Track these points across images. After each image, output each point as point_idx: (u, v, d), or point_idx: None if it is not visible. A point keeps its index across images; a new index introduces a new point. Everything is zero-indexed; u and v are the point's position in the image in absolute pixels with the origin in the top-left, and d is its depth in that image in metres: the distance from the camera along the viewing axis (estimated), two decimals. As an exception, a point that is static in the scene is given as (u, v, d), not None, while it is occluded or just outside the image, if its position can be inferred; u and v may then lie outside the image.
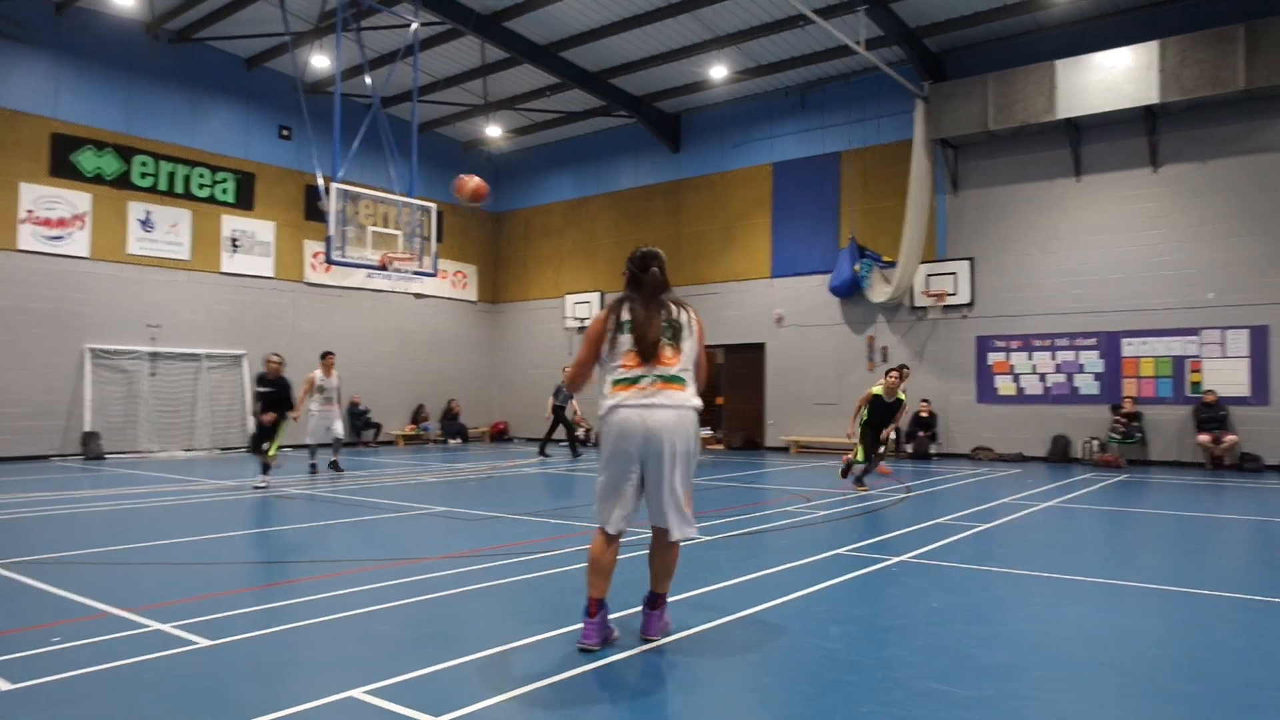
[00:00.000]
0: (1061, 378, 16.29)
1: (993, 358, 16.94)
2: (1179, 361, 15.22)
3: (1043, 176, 16.56)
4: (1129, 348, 15.68)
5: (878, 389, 10.99)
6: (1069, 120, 15.69)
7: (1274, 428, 14.33)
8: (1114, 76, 15.09)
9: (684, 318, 4.24)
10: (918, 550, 6.78)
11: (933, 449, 16.97)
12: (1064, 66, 15.50)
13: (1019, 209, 16.81)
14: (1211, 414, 14.57)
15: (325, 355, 13.15)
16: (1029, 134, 16.43)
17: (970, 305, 17.16)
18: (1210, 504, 10.26)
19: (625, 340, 4.15)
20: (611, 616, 4.28)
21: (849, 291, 18.06)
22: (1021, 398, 16.64)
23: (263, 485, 11.07)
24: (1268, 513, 9.29)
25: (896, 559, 6.43)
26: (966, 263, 17.17)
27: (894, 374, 11.07)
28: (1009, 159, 16.89)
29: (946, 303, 17.26)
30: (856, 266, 17.82)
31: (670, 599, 4.50)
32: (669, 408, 4.09)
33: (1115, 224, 15.87)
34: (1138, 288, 15.60)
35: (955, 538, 7.44)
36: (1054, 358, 16.37)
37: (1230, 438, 14.36)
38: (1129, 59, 14.97)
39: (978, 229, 17.23)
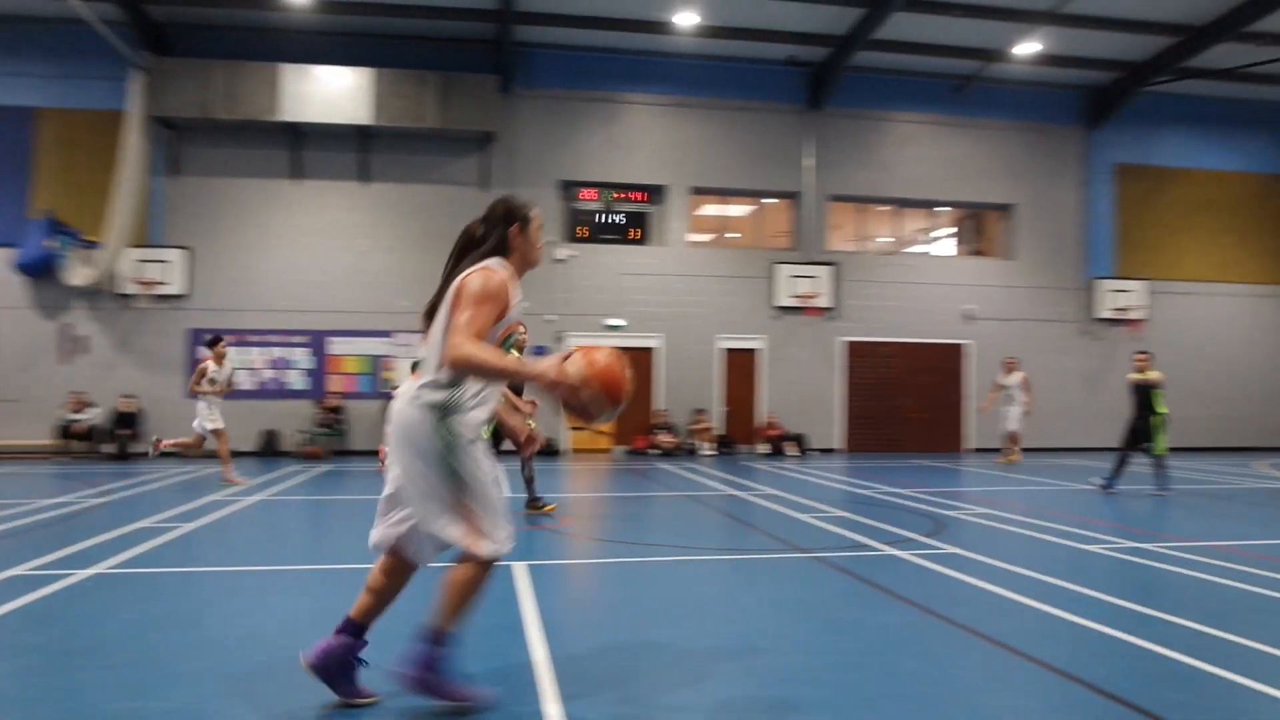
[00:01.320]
0: (274, 373, 16.75)
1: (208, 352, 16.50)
2: (376, 360, 17.01)
3: (265, 174, 16.80)
4: (335, 346, 16.93)
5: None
6: (291, 124, 16.25)
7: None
8: (334, 92, 16.14)
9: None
10: (115, 559, 6.27)
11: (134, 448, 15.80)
12: (290, 71, 16.00)
13: (240, 203, 16.75)
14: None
15: None
16: (253, 130, 16.50)
17: (186, 296, 16.47)
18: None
19: None
20: None
21: (41, 271, 15.70)
22: (235, 392, 16.56)
23: None
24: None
25: (89, 571, 5.85)
26: (184, 251, 16.43)
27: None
28: (233, 151, 16.71)
29: (158, 292, 16.24)
30: (51, 243, 15.58)
31: None
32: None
33: (328, 229, 16.96)
34: (345, 291, 16.93)
35: (157, 541, 7.08)
36: (268, 353, 16.74)
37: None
38: (349, 79, 16.17)
39: (198, 218, 16.63)
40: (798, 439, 17.96)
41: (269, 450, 16.35)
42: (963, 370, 19.21)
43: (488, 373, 3.12)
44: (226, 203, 16.71)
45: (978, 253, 20.51)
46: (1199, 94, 20.39)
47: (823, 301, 18.45)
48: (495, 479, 3.35)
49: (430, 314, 3.36)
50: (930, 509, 9.22)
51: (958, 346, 19.18)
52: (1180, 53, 17.92)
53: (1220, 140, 20.78)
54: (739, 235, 19.85)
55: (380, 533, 3.42)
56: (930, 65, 18.78)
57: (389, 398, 15.93)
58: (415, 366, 4.11)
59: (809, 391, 18.57)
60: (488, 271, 3.26)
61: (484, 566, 3.27)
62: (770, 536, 7.70)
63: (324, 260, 16.91)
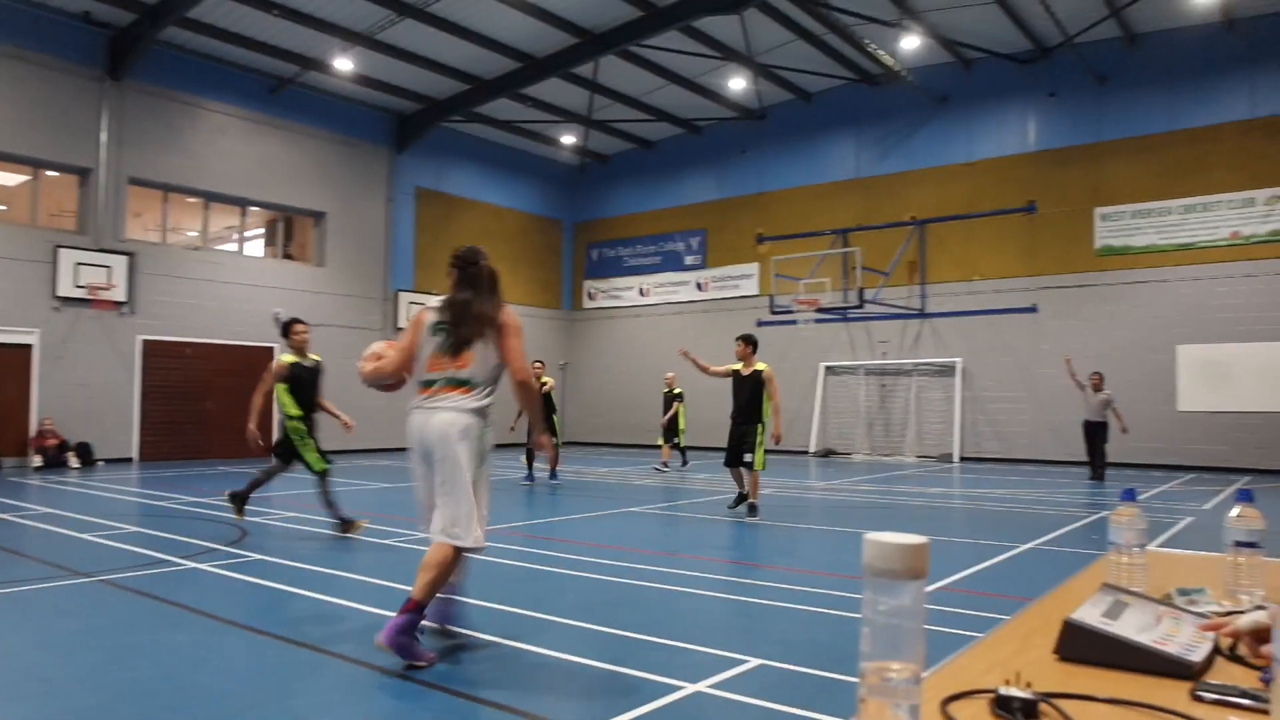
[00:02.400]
0: None
1: None
2: None
3: None
4: None
5: None
6: None
7: None
8: None
9: None
10: None
11: None
12: None
13: None
14: None
15: None
16: None
17: None
18: None
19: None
20: None
21: None
22: None
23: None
24: None
25: None
26: None
27: None
28: None
29: None
30: None
31: None
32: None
33: None
34: None
35: None
36: None
37: None
38: None
39: None
40: (80, 448, 15.80)
41: None
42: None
43: (531, 393, 4.43)
44: None
45: (289, 256, 20.56)
46: (486, 137, 23.57)
47: (117, 294, 16.55)
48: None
49: (462, 343, 4.32)
50: (234, 517, 8.97)
51: (269, 349, 18.95)
52: (472, 99, 20.49)
53: (500, 180, 24.31)
54: (5, 208, 16.70)
55: (436, 522, 4.23)
56: (248, 59, 18.30)
57: None
58: (432, 384, 4.40)
59: (99, 394, 16.47)
60: (511, 310, 4.46)
61: (458, 553, 4.18)
62: (44, 563, 6.70)
63: None
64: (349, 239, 20.66)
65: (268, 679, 4.07)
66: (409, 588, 4.22)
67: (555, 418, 13.85)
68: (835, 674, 4.04)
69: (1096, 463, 14.79)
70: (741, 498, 10.00)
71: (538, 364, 13.09)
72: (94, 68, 16.56)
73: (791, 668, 4.15)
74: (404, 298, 21.37)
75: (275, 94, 19.17)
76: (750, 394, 9.61)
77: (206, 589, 5.85)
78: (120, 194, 16.99)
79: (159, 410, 17.27)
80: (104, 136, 16.62)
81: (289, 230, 20.77)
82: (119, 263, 16.60)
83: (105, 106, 16.67)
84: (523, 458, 14.23)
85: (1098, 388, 14.75)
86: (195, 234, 19.17)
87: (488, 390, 4.34)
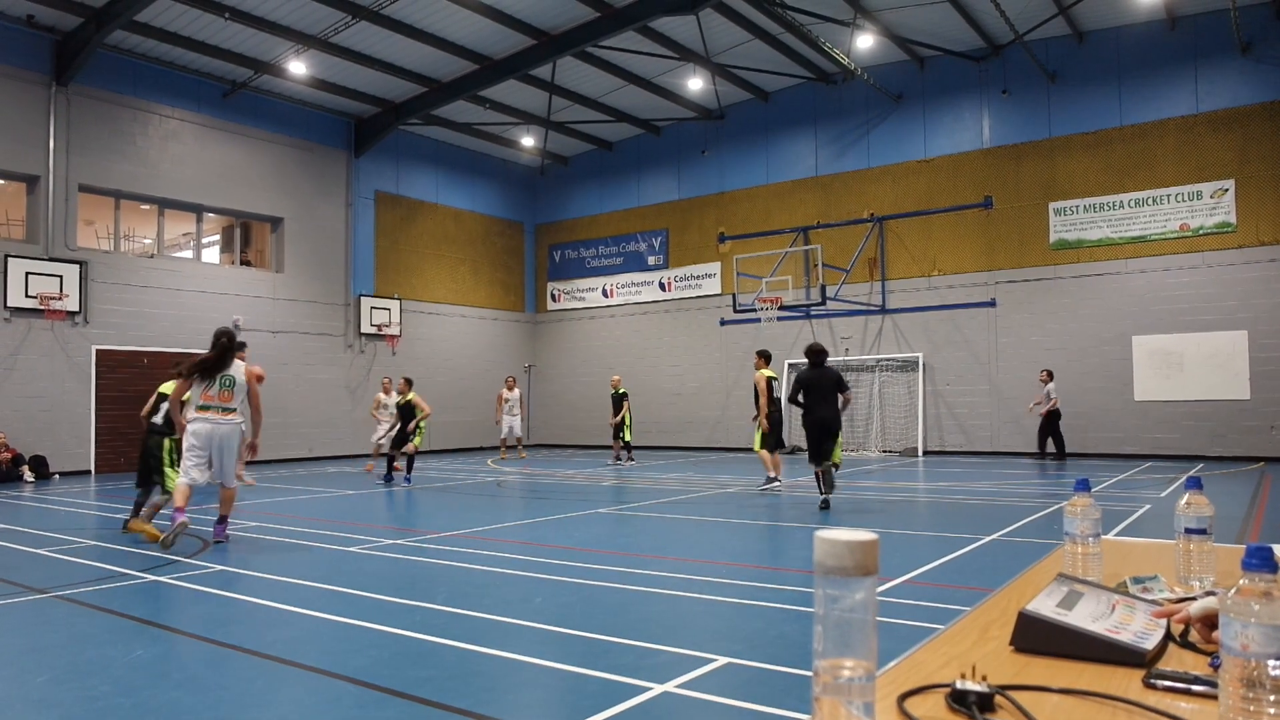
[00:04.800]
0: None
1: None
2: None
3: None
4: None
5: None
6: None
7: None
8: None
9: None
10: None
11: None
12: None
13: None
14: None
15: None
16: None
17: None
18: None
19: None
20: None
21: None
22: None
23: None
24: None
25: None
26: None
27: None
28: None
29: None
30: None
31: None
32: None
33: None
34: None
35: None
36: None
37: None
38: None
39: None
40: (35, 461, 15.45)
41: None
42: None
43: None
44: None
45: (246, 263, 20.27)
46: (445, 140, 23.42)
47: (69, 304, 16.20)
48: None
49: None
50: (199, 527, 8.82)
51: (226, 357, 18.64)
52: (429, 101, 20.34)
53: (460, 182, 24.16)
54: (-49, 218, 16.29)
55: None
56: (200, 63, 18.01)
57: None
58: None
59: (53, 406, 16.11)
60: None
61: None
62: (-4, 582, 6.53)
63: None
64: (308, 244, 20.41)
65: (230, 691, 4.00)
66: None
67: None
68: (803, 670, 4.06)
69: (1059, 448, 16.54)
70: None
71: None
72: (39, 73, 16.19)
73: (759, 665, 4.17)
74: (366, 302, 21.17)
75: (228, 98, 18.89)
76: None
77: (166, 602, 5.74)
78: (70, 201, 16.63)
79: (116, 421, 16.91)
80: (52, 143, 16.25)
81: (246, 236, 20.47)
82: (70, 271, 16.25)
83: (52, 112, 16.30)
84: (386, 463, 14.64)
85: (1045, 382, 16.79)
86: (150, 241, 18.82)
87: None
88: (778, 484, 11.84)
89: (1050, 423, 16.67)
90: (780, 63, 19.94)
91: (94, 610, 5.55)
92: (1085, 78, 18.14)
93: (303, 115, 20.37)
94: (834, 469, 10.17)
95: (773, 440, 11.86)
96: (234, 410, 8.03)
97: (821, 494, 10.02)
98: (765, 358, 12.25)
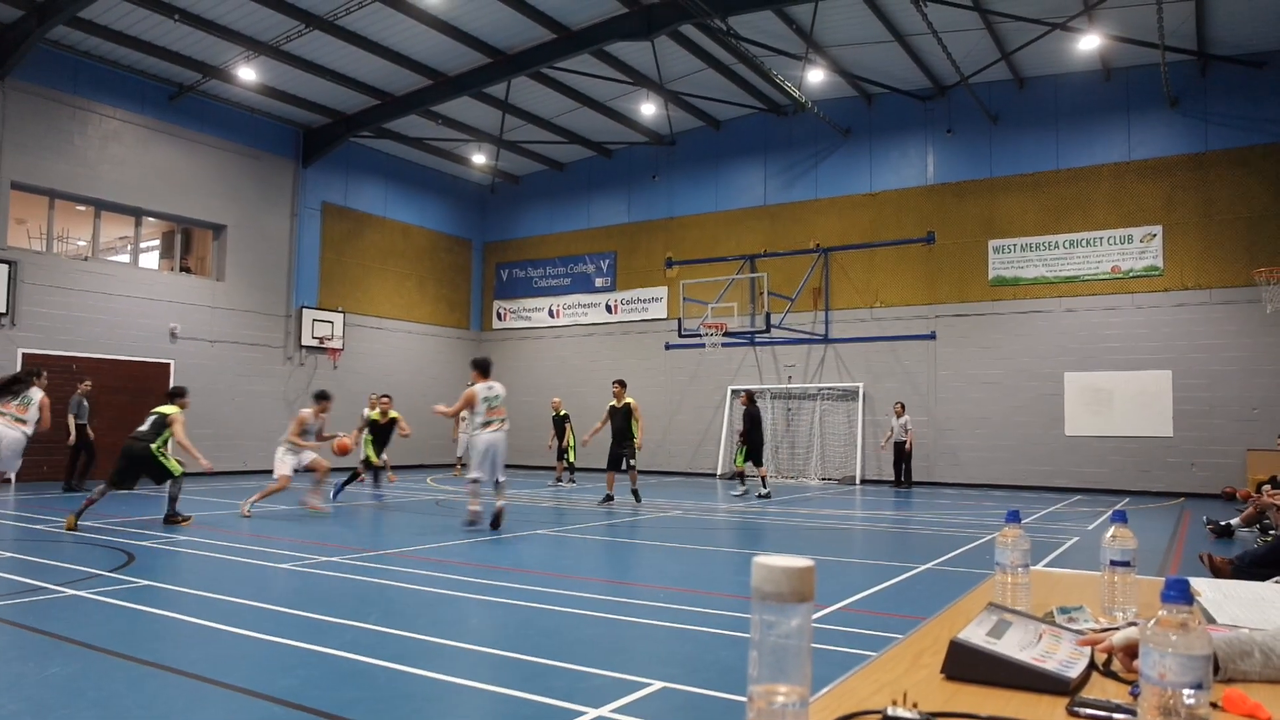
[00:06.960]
0: None
1: None
2: None
3: None
4: None
5: None
6: None
7: None
8: None
9: None
10: None
11: None
12: None
13: None
14: None
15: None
16: None
17: None
18: None
19: None
20: None
21: None
22: None
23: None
24: None
25: None
26: None
27: None
28: None
29: None
30: None
31: None
32: None
33: None
34: None
35: None
36: None
37: None
38: None
39: None
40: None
41: None
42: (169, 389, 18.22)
43: None
44: None
45: (186, 269, 19.81)
46: (395, 154, 23.24)
47: (-6, 305, 15.65)
48: None
49: None
50: (124, 540, 8.55)
51: (165, 365, 18.17)
52: (381, 114, 20.18)
53: (410, 197, 23.97)
54: (-128, 212, 15.65)
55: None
56: (146, 64, 17.64)
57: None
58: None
59: (-32, 411, 15.46)
60: None
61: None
62: (-98, 593, 6.23)
63: None
64: (251, 253, 20.03)
65: (150, 711, 3.87)
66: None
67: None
68: (738, 695, 4.06)
69: (906, 476, 18.71)
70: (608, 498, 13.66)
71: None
72: (-25, 66, 15.71)
73: (694, 690, 4.17)
74: (308, 314, 20.80)
75: (174, 101, 18.51)
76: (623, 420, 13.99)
77: (86, 617, 5.54)
78: (1, 199, 16.10)
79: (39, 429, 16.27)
80: (-16, 139, 15.75)
81: (187, 242, 20.01)
82: (-2, 272, 15.71)
83: (-13, 107, 15.81)
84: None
85: (899, 414, 18.64)
86: (84, 243, 18.30)
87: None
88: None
89: (901, 453, 18.43)
90: (732, 92, 20.23)
91: (6, 625, 5.33)
92: (1025, 121, 18.73)
93: (251, 122, 20.04)
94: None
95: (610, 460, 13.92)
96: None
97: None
98: (623, 384, 14.43)
